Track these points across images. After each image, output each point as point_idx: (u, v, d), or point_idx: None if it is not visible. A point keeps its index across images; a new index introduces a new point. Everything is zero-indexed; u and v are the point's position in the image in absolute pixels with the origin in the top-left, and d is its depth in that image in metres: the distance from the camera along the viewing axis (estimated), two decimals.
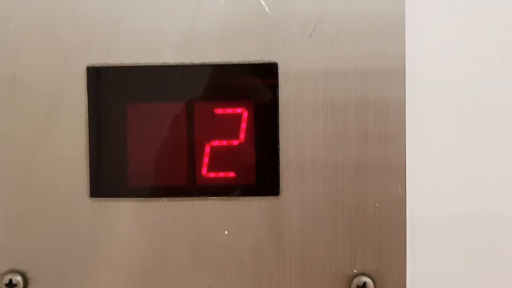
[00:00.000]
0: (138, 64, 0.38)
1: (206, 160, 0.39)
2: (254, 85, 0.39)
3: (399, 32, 0.38)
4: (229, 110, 0.39)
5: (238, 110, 0.39)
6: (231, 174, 0.39)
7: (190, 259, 0.39)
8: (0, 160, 0.39)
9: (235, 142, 0.39)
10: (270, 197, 0.38)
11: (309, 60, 0.38)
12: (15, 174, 0.39)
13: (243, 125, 0.39)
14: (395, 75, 0.38)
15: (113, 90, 0.39)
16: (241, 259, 0.39)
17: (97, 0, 0.38)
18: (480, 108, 0.39)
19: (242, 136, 0.39)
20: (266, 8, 0.38)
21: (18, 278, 0.39)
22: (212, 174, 0.39)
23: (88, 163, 0.39)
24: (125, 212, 0.39)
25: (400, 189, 0.38)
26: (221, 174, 0.39)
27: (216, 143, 0.39)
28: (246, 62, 0.38)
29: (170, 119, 0.39)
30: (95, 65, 0.39)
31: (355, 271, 0.38)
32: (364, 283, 0.38)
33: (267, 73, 0.38)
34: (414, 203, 0.39)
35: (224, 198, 0.39)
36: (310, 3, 0.38)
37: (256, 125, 0.39)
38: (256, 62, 0.38)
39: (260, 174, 0.38)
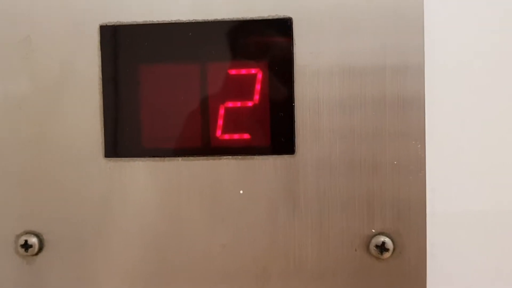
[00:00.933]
0: (151, 22, 0.38)
1: (220, 122, 0.39)
2: (268, 42, 0.38)
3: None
4: (243, 71, 0.39)
5: (252, 71, 0.38)
6: (246, 136, 0.39)
7: (204, 219, 0.38)
8: (15, 122, 0.39)
9: (250, 103, 0.38)
10: (285, 156, 0.38)
11: (325, 15, 0.37)
12: (29, 136, 0.39)
13: (258, 86, 0.39)
14: (414, 42, 0.37)
15: (126, 49, 0.39)
16: (256, 219, 0.38)
17: None
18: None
19: (256, 97, 0.38)
20: None
21: (33, 240, 0.39)
22: (226, 136, 0.39)
23: (102, 124, 0.39)
24: (140, 171, 0.39)
25: (419, 146, 0.37)
26: (236, 136, 0.39)
27: (230, 104, 0.39)
28: (259, 18, 0.37)
29: (183, 80, 0.39)
30: (108, 24, 0.38)
31: (373, 230, 0.37)
32: (383, 243, 0.37)
33: (281, 29, 0.37)
34: (434, 162, 0.38)
35: (239, 157, 0.38)
36: None
37: (271, 85, 0.38)
38: (270, 17, 0.37)
39: (275, 133, 0.38)
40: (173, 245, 0.39)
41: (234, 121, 0.39)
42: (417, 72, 0.37)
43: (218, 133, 0.39)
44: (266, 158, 0.38)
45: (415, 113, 0.37)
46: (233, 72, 0.39)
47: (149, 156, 0.39)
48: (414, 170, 0.37)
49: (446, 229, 0.39)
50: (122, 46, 0.38)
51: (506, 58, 0.38)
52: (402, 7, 0.36)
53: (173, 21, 0.38)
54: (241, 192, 0.38)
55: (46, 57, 0.39)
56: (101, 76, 0.39)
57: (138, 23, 0.38)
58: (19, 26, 0.39)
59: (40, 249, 0.39)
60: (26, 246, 0.39)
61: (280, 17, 0.37)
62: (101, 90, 0.39)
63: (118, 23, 0.38)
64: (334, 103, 0.37)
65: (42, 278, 0.40)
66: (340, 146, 0.37)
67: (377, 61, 0.37)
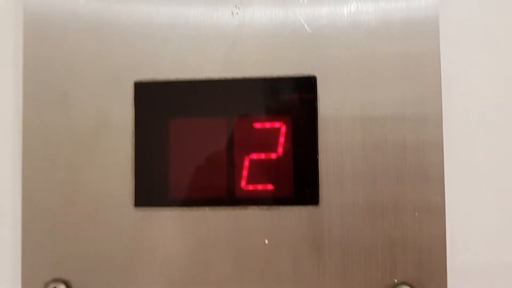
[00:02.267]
0: (182, 80, 0.40)
1: (245, 173, 0.40)
2: (293, 99, 0.40)
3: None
4: (267, 125, 0.41)
5: (277, 125, 0.41)
6: (270, 187, 0.40)
7: (231, 268, 0.39)
8: (50, 170, 0.41)
9: (274, 156, 0.40)
10: (309, 207, 0.39)
11: (347, 69, 0.39)
12: (63, 184, 0.41)
13: (281, 139, 0.40)
14: (431, 92, 0.39)
15: (158, 104, 0.41)
16: (282, 268, 0.39)
17: (144, 21, 0.41)
18: None
19: (280, 149, 0.40)
20: (305, 26, 0.40)
21: (62, 287, 0.40)
22: (251, 187, 0.40)
23: (133, 174, 0.40)
24: (168, 221, 0.40)
25: (439, 198, 0.38)
26: (260, 187, 0.40)
27: (255, 156, 0.40)
28: (285, 76, 0.40)
29: (211, 133, 0.41)
30: (142, 81, 0.41)
31: (395, 280, 0.38)
32: None
33: (305, 86, 0.40)
34: (454, 213, 0.39)
35: (264, 207, 0.40)
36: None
37: (295, 138, 0.40)
38: (295, 76, 0.40)
39: (299, 184, 0.39)
40: None
41: (259, 172, 0.40)
42: (436, 122, 0.39)
43: (243, 183, 0.40)
44: (291, 209, 0.39)
45: (435, 157, 0.39)
46: (258, 125, 0.41)
47: (177, 206, 0.40)
48: (434, 220, 0.38)
49: (467, 280, 0.39)
50: (155, 102, 0.41)
51: None
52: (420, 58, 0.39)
53: (204, 78, 0.40)
54: (267, 241, 0.39)
55: (82, 111, 0.41)
56: (134, 129, 0.41)
57: (170, 80, 0.40)
58: (57, 81, 0.41)
59: None
60: None
61: (304, 75, 0.40)
62: (134, 142, 0.40)
63: (152, 80, 0.41)
64: (357, 152, 0.39)
65: None
66: (362, 194, 0.39)
67: (397, 111, 0.39)
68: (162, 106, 0.41)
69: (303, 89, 0.40)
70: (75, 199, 0.41)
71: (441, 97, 0.39)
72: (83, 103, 0.41)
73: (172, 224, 0.40)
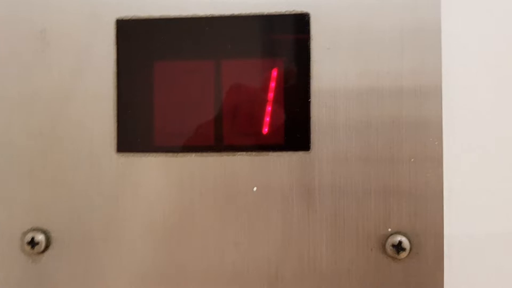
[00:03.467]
0: (167, 16, 0.38)
1: (234, 118, 0.38)
2: (284, 38, 0.38)
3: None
4: (258, 68, 0.38)
5: (267, 68, 0.38)
6: (259, 132, 0.38)
7: (217, 216, 0.38)
8: (26, 115, 0.39)
9: (264, 100, 0.38)
10: (300, 153, 0.37)
11: (343, 12, 0.37)
12: (40, 129, 0.38)
13: (272, 84, 0.38)
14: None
15: (142, 45, 0.38)
16: (270, 216, 0.37)
17: None
18: None
19: (271, 93, 0.38)
20: None
21: (40, 237, 0.38)
22: (239, 133, 0.38)
23: (115, 118, 0.38)
24: (152, 167, 0.38)
25: (437, 143, 0.36)
26: (249, 132, 0.38)
27: (244, 101, 0.38)
28: (276, 13, 0.37)
29: (197, 77, 0.38)
30: (124, 18, 0.38)
31: (389, 229, 0.37)
32: (400, 242, 0.36)
33: (298, 25, 0.37)
34: (451, 160, 0.37)
35: (253, 153, 0.38)
36: None
37: (286, 81, 0.38)
38: (287, 13, 0.37)
39: (290, 129, 0.37)
40: (184, 243, 0.38)
41: (248, 118, 0.38)
42: (434, 62, 0.36)
43: (232, 130, 0.38)
44: (281, 155, 0.37)
45: (433, 102, 0.37)
46: (247, 69, 0.38)
47: (162, 152, 0.38)
48: (431, 166, 0.36)
49: (465, 228, 0.38)
50: (138, 41, 0.38)
51: None
52: None
53: (190, 16, 0.38)
54: (255, 189, 0.37)
55: (61, 50, 0.38)
56: (116, 70, 0.38)
57: (154, 17, 0.38)
58: (34, 19, 0.39)
59: (47, 246, 0.38)
60: (32, 243, 0.38)
61: (297, 12, 0.37)
62: (116, 84, 0.38)
63: (135, 17, 0.38)
64: (351, 98, 0.37)
65: (48, 277, 0.39)
66: (356, 141, 0.37)
67: (396, 56, 0.37)
68: (146, 46, 0.38)
69: (296, 28, 0.37)
70: (53, 144, 0.38)
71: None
72: (61, 42, 0.39)
73: (156, 170, 0.38)
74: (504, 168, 0.38)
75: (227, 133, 0.38)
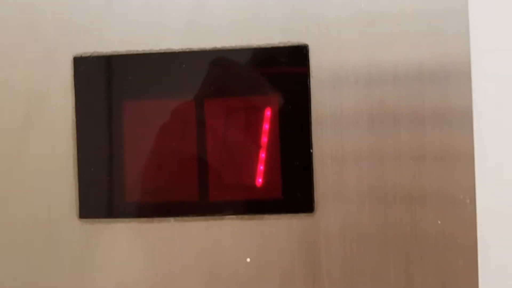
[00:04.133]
0: (135, 52, 0.32)
1: (220, 172, 0.32)
2: (279, 74, 0.31)
3: None
4: (248, 108, 0.32)
5: (260, 108, 0.32)
6: (252, 189, 0.32)
7: None
8: None
9: (257, 148, 0.32)
10: (302, 215, 0.31)
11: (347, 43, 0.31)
12: None
13: (266, 126, 0.33)
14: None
15: (106, 84, 0.32)
16: None
17: None
18: None
19: (265, 139, 0.32)
20: None
21: None
22: (228, 188, 0.32)
23: (76, 178, 0.32)
24: (123, 236, 0.32)
25: (468, 201, 0.30)
26: (240, 189, 0.32)
27: (232, 149, 0.32)
28: (268, 45, 0.31)
29: (175, 120, 0.33)
30: (83, 55, 0.32)
31: None
32: None
33: (295, 58, 0.31)
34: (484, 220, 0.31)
35: (245, 216, 0.32)
36: None
37: (282, 125, 0.32)
38: (282, 45, 0.31)
39: (289, 186, 0.31)
40: None
41: (238, 170, 0.32)
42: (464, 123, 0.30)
43: (218, 185, 0.32)
44: (279, 218, 0.32)
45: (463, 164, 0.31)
46: (235, 109, 0.32)
47: (134, 217, 0.32)
48: (462, 230, 0.30)
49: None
50: (101, 81, 0.32)
51: None
52: None
53: (162, 51, 0.31)
54: (248, 260, 0.32)
55: (10, 96, 0.32)
56: (75, 117, 0.32)
57: (119, 53, 0.32)
58: None
59: None
60: None
61: (293, 44, 0.31)
62: (75, 135, 0.32)
63: (95, 54, 0.32)
64: (361, 150, 0.30)
65: None
66: (370, 199, 0.31)
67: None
68: (111, 86, 0.32)
69: (292, 62, 0.31)
70: (6, 208, 0.33)
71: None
72: (10, 86, 0.32)
73: (127, 239, 0.32)
74: None
75: (213, 187, 0.32)
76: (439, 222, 0.30)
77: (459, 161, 0.30)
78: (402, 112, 0.31)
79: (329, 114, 0.31)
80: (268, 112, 0.32)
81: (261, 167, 0.33)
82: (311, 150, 0.31)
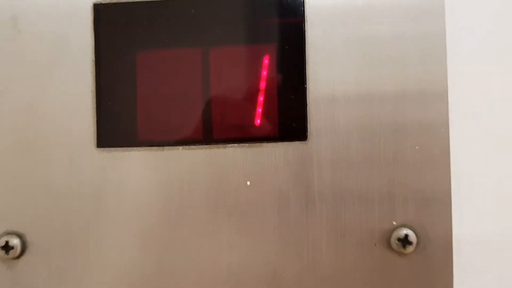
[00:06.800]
0: (149, 0, 0.35)
1: (224, 109, 0.36)
2: (277, 21, 0.35)
3: None
4: (248, 55, 0.36)
5: (259, 55, 0.35)
6: (252, 123, 0.35)
7: (208, 214, 0.35)
8: None
9: (257, 86, 0.35)
10: (297, 143, 0.35)
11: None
12: (14, 124, 0.35)
13: (264, 73, 0.36)
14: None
15: (122, 31, 0.35)
16: (266, 213, 0.34)
17: None
18: None
19: (263, 83, 0.35)
20: None
21: (15, 241, 0.35)
22: (230, 124, 0.36)
23: (94, 110, 0.35)
24: (136, 163, 0.35)
25: (443, 130, 0.34)
26: (241, 123, 0.36)
27: (235, 90, 0.36)
28: None
29: (184, 65, 0.36)
30: (102, 2, 0.35)
31: (394, 223, 0.34)
32: (406, 236, 0.33)
33: (291, 6, 0.35)
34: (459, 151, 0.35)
35: (246, 145, 0.35)
36: None
37: (280, 69, 0.35)
38: None
39: (285, 117, 0.35)
40: (173, 245, 0.35)
41: (239, 107, 0.36)
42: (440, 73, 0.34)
43: (222, 121, 0.35)
44: (276, 146, 0.35)
45: (439, 105, 0.34)
46: (238, 55, 0.36)
47: (147, 146, 0.35)
48: (438, 155, 0.34)
49: (474, 221, 0.35)
50: (118, 28, 0.35)
51: None
52: None
53: None
54: (248, 183, 0.35)
55: (34, 38, 0.35)
56: (94, 59, 0.35)
57: (135, 0, 0.35)
58: (3, 4, 0.35)
59: (23, 251, 0.35)
60: (6, 248, 0.35)
61: None
62: (94, 75, 0.35)
63: (113, 1, 0.35)
64: (351, 86, 0.34)
65: (24, 284, 0.35)
66: (357, 129, 0.34)
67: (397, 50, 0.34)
68: (126, 32, 0.35)
69: (289, 10, 0.35)
70: (28, 140, 0.35)
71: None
72: (34, 30, 0.35)
73: (140, 166, 0.35)
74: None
75: (216, 126, 0.35)
76: (417, 147, 0.34)
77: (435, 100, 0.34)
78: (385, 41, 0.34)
79: (322, 58, 0.34)
80: (266, 60, 0.36)
81: (259, 109, 0.36)
82: (305, 86, 0.35)
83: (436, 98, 0.34)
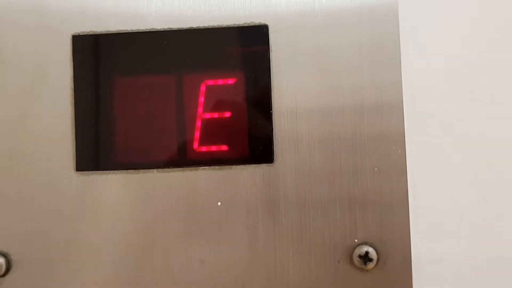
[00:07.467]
0: (124, 31, 0.37)
1: (197, 134, 0.38)
2: (244, 51, 0.37)
3: None
4: (219, 81, 0.38)
5: (229, 81, 0.38)
6: (224, 147, 0.37)
7: (181, 233, 0.37)
8: None
9: (227, 114, 0.38)
10: (264, 165, 0.37)
11: (302, 21, 0.37)
12: None
13: (234, 96, 0.38)
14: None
15: (99, 60, 0.38)
16: (236, 231, 0.37)
17: None
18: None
19: (233, 106, 0.37)
20: None
21: (0, 260, 0.37)
22: (203, 148, 0.38)
23: (73, 136, 0.37)
24: (113, 185, 0.37)
25: (400, 151, 0.36)
26: (213, 147, 0.38)
27: (207, 115, 0.38)
28: (235, 25, 0.37)
29: (159, 91, 0.38)
30: (80, 33, 0.37)
31: (356, 240, 0.36)
32: (366, 253, 0.36)
33: (257, 36, 0.37)
34: (415, 167, 0.37)
35: (217, 167, 0.37)
36: None
37: (248, 94, 0.37)
38: (246, 25, 0.37)
39: (253, 142, 0.37)
40: (148, 261, 0.37)
41: (212, 132, 0.38)
42: (395, 84, 0.36)
43: (195, 145, 0.38)
44: (244, 168, 0.37)
45: (394, 121, 0.36)
46: (209, 82, 0.38)
47: (123, 169, 0.37)
48: (395, 175, 0.36)
49: (431, 235, 0.38)
50: (95, 56, 0.37)
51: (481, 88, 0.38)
52: None
53: (148, 30, 0.37)
54: (219, 203, 0.37)
55: (16, 68, 0.37)
56: (73, 87, 0.37)
57: (111, 32, 0.37)
58: None
59: (8, 270, 0.37)
60: None
61: (256, 24, 0.37)
62: (73, 101, 0.37)
63: (91, 33, 0.37)
64: (313, 109, 0.36)
65: None
66: (319, 152, 0.36)
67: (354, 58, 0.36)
68: (104, 61, 0.38)
69: (255, 40, 0.37)
70: (10, 164, 0.37)
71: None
72: (17, 60, 0.38)
73: (117, 188, 0.37)
74: (466, 173, 0.38)
75: (190, 150, 0.37)
76: (375, 169, 0.36)
77: (391, 114, 0.36)
78: (344, 71, 0.37)
79: (287, 84, 0.37)
80: (236, 85, 0.38)
81: (228, 134, 0.38)
82: (271, 112, 0.37)
83: (391, 109, 0.36)
